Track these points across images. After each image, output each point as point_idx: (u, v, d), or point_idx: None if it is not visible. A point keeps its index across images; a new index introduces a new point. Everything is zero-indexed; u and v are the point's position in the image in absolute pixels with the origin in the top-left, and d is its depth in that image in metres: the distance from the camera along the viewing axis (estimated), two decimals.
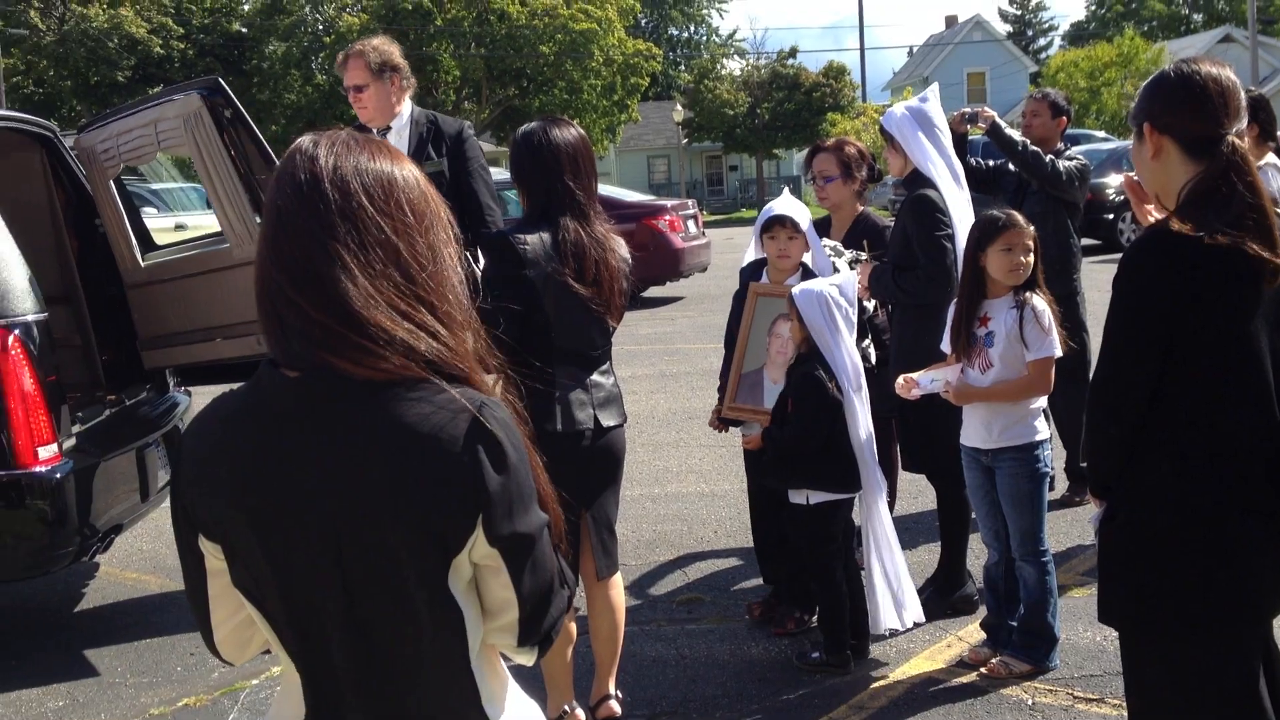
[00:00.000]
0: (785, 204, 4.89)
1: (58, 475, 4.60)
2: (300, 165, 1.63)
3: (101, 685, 4.82)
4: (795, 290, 4.52)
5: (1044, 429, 4.43)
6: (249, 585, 1.64)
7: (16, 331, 4.53)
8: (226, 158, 5.29)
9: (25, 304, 4.61)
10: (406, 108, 5.43)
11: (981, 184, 6.62)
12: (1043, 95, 6.70)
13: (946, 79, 57.81)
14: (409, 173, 1.67)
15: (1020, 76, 57.86)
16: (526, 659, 1.73)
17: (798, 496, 4.54)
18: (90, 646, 5.23)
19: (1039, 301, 4.32)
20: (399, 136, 5.38)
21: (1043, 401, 4.45)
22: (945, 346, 4.54)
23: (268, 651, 1.76)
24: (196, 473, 1.63)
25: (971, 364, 4.39)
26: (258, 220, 5.00)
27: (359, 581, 1.58)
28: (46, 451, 4.60)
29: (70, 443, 4.77)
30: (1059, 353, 4.34)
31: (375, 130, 5.31)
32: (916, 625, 4.70)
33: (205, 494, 1.62)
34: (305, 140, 1.67)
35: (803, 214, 4.87)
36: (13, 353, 4.51)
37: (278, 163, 1.68)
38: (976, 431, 4.44)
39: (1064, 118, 6.60)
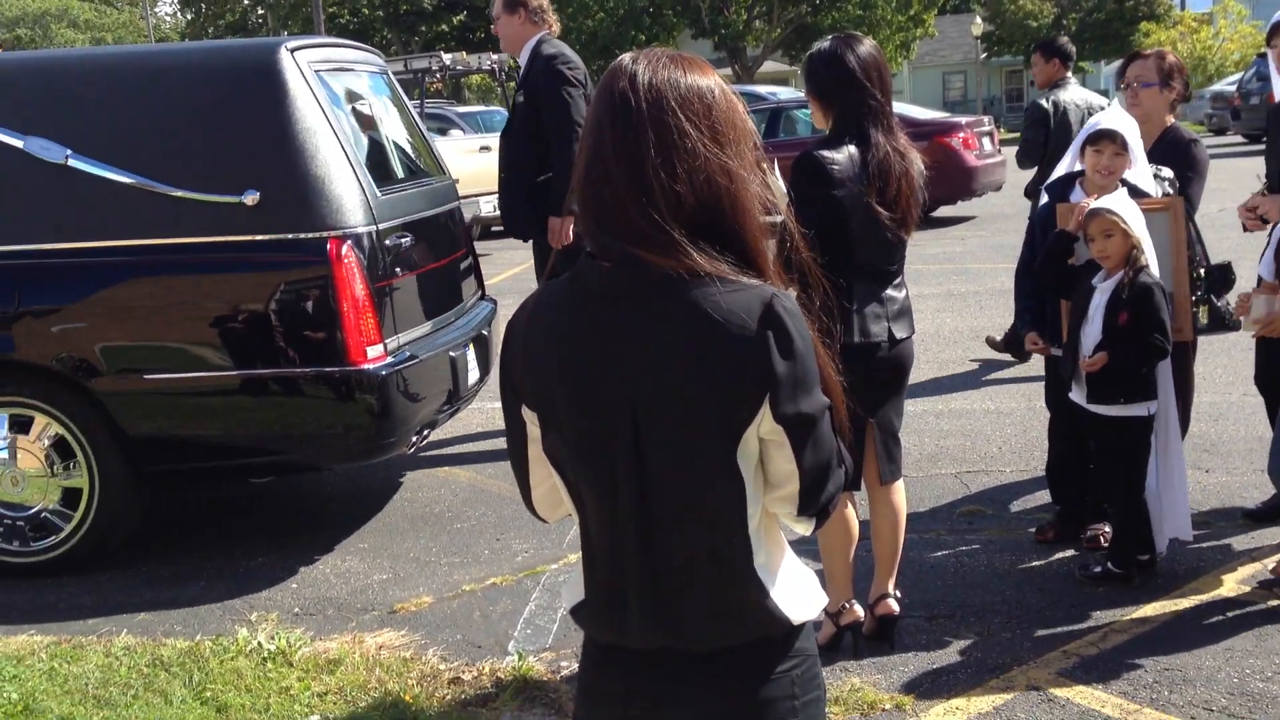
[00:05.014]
0: (1115, 117, 4.64)
1: (383, 373, 5.07)
2: (618, 80, 1.78)
3: (419, 564, 5.30)
4: (1122, 206, 4.36)
5: None
6: (557, 453, 1.85)
7: (349, 242, 4.99)
8: None
9: (357, 216, 5.06)
10: (535, 43, 6.26)
11: None
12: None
13: None
14: (719, 89, 1.79)
15: None
16: (804, 529, 1.88)
17: (1138, 409, 4.42)
18: (408, 530, 5.73)
19: None
20: (522, 68, 6.37)
21: None
22: (1264, 270, 4.43)
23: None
24: (524, 346, 1.85)
25: None
26: None
27: (651, 446, 1.76)
28: (374, 351, 5.07)
29: (394, 343, 5.23)
30: None
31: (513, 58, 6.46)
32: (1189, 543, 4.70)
33: (529, 364, 1.84)
34: (626, 57, 1.83)
35: (1132, 129, 4.62)
36: (345, 261, 4.96)
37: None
38: None
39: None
